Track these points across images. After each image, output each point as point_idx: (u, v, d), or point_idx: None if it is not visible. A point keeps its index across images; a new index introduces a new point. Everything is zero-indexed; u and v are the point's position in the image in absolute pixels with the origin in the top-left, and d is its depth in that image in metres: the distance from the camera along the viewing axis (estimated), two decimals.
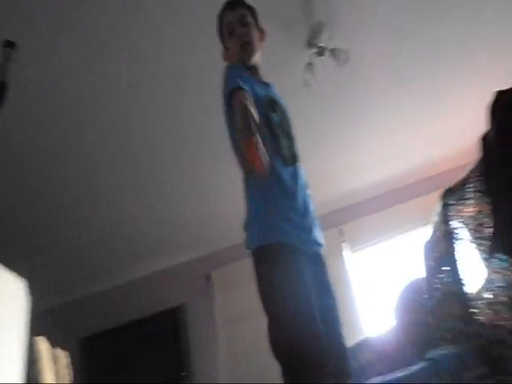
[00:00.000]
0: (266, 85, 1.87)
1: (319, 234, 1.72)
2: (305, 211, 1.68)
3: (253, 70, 1.83)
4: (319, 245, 1.71)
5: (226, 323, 4.67)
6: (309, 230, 1.67)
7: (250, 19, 1.88)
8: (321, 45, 2.90)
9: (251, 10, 1.94)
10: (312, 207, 1.73)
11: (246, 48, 1.82)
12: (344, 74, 3.08)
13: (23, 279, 1.95)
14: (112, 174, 3.75)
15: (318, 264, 1.68)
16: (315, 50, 2.94)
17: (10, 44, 1.59)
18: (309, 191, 1.76)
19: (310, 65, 2.96)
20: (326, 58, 2.93)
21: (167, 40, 2.81)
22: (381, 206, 4.63)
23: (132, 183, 3.88)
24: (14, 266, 1.90)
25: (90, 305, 5.06)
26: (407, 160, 4.37)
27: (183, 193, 4.13)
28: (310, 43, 2.92)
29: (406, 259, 4.32)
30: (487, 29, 3.23)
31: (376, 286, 4.48)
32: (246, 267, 5.04)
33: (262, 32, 1.96)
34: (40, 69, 2.76)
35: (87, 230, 4.29)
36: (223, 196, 4.21)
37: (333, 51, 2.89)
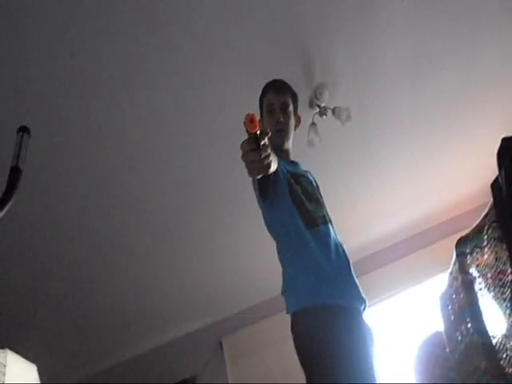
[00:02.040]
0: (294, 163, 1.96)
1: (357, 291, 1.72)
2: (339, 269, 1.70)
3: (283, 152, 1.92)
4: (360, 301, 1.70)
5: None
6: (346, 287, 1.68)
7: (290, 108, 1.96)
8: (323, 105, 2.99)
9: (294, 96, 2.03)
10: (349, 265, 1.76)
11: (281, 135, 1.91)
12: (347, 130, 3.15)
13: (33, 363, 1.91)
14: (118, 245, 3.74)
15: (360, 321, 1.67)
16: (317, 110, 3.03)
17: (24, 129, 1.57)
18: (344, 248, 1.79)
19: (313, 124, 3.03)
20: (329, 117, 3.01)
21: None
22: (393, 256, 4.61)
23: (138, 253, 3.86)
24: (23, 347, 1.86)
25: (100, 380, 4.90)
26: (418, 208, 4.38)
27: (189, 260, 4.11)
28: (312, 104, 3.01)
29: (423, 311, 4.22)
30: (488, 75, 3.32)
31: (393, 341, 4.34)
32: (257, 333, 4.95)
33: (298, 119, 2.05)
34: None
35: (94, 304, 4.24)
36: (230, 261, 4.20)
37: (335, 110, 2.97)
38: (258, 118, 1.18)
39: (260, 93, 2.05)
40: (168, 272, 4.14)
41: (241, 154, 1.26)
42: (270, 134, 1.25)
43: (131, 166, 3.12)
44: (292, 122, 1.97)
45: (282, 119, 1.91)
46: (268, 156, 1.26)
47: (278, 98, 1.95)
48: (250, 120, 1.16)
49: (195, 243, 3.92)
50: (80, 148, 2.89)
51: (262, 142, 1.22)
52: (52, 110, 2.64)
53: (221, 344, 4.82)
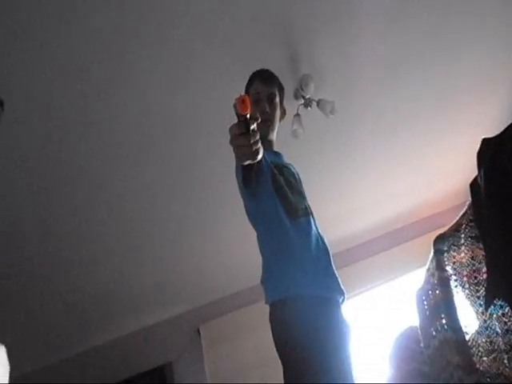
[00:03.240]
0: (277, 154, 1.97)
1: (336, 282, 1.72)
2: (319, 260, 1.71)
3: (267, 143, 1.89)
4: (338, 293, 1.71)
5: (218, 379, 4.51)
6: (325, 279, 1.69)
7: (277, 99, 1.96)
8: (307, 96, 2.97)
9: (281, 88, 2.02)
10: (329, 256, 1.76)
11: (266, 125, 1.89)
12: (331, 123, 3.14)
13: (2, 344, 1.89)
14: (99, 230, 3.69)
15: (338, 312, 1.67)
16: (302, 102, 3.01)
17: None
18: (325, 241, 1.80)
19: (297, 116, 3.02)
20: (313, 108, 3.00)
21: None
22: (372, 251, 4.66)
23: (119, 237, 3.81)
24: None
25: (75, 366, 4.86)
26: (398, 204, 4.42)
27: (168, 246, 4.07)
28: (297, 95, 2.99)
29: (400, 306, 4.28)
30: (470, 77, 3.35)
31: (369, 334, 4.39)
32: (236, 321, 4.93)
33: (283, 111, 2.05)
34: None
35: (72, 287, 4.17)
36: (211, 248, 4.18)
37: (319, 102, 2.96)
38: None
39: (246, 81, 2.03)
40: (146, 257, 4.09)
41: (229, 138, 1.23)
42: (259, 120, 1.22)
43: (117, 155, 3.10)
44: (277, 113, 1.96)
45: (267, 110, 1.90)
46: (257, 142, 1.23)
47: (265, 89, 1.94)
48: (241, 101, 1.12)
49: (174, 229, 3.88)
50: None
51: (252, 127, 1.19)
52: None
53: (198, 331, 4.80)
